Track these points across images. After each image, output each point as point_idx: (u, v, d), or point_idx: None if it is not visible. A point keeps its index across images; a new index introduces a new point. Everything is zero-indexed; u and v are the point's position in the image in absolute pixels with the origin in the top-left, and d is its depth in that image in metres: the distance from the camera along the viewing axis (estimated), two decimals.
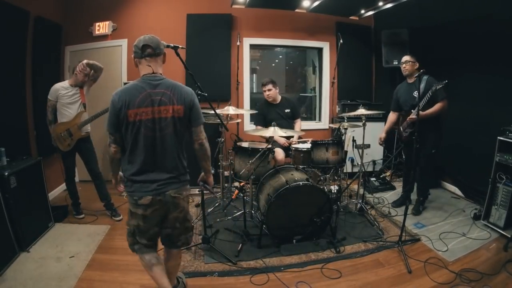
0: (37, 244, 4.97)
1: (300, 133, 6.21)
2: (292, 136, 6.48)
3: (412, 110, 5.62)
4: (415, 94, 5.49)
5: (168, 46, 3.78)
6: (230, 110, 5.93)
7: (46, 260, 4.54)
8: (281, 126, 5.55)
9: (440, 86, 5.05)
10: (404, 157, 6.42)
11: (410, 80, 5.95)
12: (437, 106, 5.45)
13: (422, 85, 5.44)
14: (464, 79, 5.45)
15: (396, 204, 6.32)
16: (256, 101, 8.84)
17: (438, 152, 5.71)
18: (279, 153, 6.28)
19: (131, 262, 4.41)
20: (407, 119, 5.74)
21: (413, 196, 6.27)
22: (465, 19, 6.41)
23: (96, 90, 6.16)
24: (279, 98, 6.91)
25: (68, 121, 5.65)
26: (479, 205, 6.01)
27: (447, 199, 6.63)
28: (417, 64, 5.82)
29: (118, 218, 5.98)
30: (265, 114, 6.82)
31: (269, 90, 6.68)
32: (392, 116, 6.30)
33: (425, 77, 5.52)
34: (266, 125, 6.20)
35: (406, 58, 5.93)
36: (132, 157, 3.10)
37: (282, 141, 6.46)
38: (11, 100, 5.75)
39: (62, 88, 5.64)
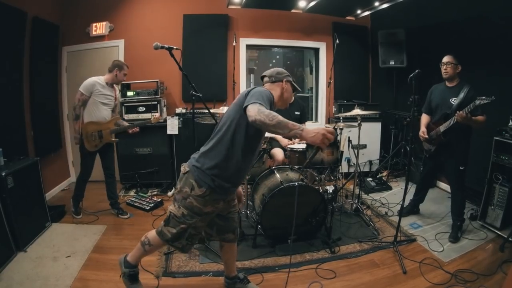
0: (34, 243, 4.97)
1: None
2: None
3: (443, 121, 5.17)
4: (453, 101, 5.07)
5: (163, 47, 3.78)
6: (225, 110, 5.92)
7: (42, 260, 4.54)
8: None
9: (486, 102, 4.42)
10: (422, 167, 6.01)
11: (450, 84, 5.27)
12: (483, 118, 4.80)
13: (461, 95, 4.99)
14: (461, 79, 5.44)
15: (403, 212, 5.85)
16: None
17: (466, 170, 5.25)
18: (279, 154, 6.25)
19: None
20: (456, 117, 4.76)
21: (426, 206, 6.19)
22: (461, 19, 6.43)
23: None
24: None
25: (101, 123, 5.66)
26: (475, 206, 6.01)
27: (443, 199, 6.62)
28: (460, 68, 5.15)
29: (125, 216, 6.01)
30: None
31: None
32: (425, 118, 5.64)
33: (466, 88, 5.00)
34: None
35: (447, 59, 5.15)
36: None
37: (285, 142, 6.35)
38: (9, 100, 5.74)
39: (99, 84, 5.59)
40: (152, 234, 3.49)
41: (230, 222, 3.61)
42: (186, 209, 3.16)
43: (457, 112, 4.71)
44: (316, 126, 8.83)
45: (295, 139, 2.86)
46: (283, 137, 6.14)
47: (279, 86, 3.43)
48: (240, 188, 3.80)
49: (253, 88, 3.07)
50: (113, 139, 5.82)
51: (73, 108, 5.57)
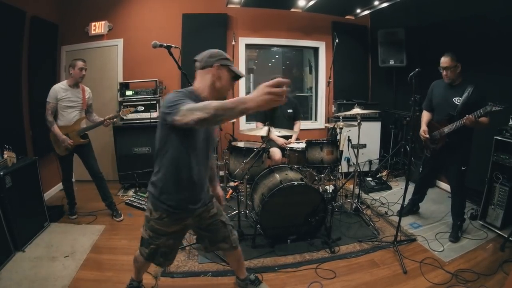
0: (32, 243, 4.96)
1: (296, 133, 6.19)
2: (291, 137, 6.43)
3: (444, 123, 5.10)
4: (456, 100, 4.95)
5: (161, 46, 3.75)
6: None
7: (41, 260, 4.53)
8: (281, 126, 5.54)
9: (498, 109, 4.33)
10: (422, 168, 5.85)
11: (452, 83, 5.11)
12: (487, 120, 4.71)
13: (465, 95, 4.87)
14: (463, 77, 5.41)
15: (402, 212, 5.51)
16: None
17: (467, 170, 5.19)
18: (276, 153, 6.25)
19: (126, 262, 4.41)
20: (465, 121, 4.67)
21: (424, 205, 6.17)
22: (461, 19, 6.41)
23: (91, 90, 6.08)
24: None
25: (67, 126, 5.59)
26: (475, 205, 6.00)
27: (443, 199, 6.60)
28: (460, 66, 4.93)
29: (119, 219, 5.95)
30: (266, 111, 6.58)
31: None
32: (426, 115, 5.50)
33: (470, 88, 4.86)
34: (266, 122, 6.12)
35: (446, 63, 4.94)
36: None
37: (281, 141, 6.38)
38: (7, 99, 5.75)
39: (62, 89, 5.52)
40: (137, 252, 3.44)
41: (215, 233, 3.48)
42: (151, 231, 3.12)
43: (467, 116, 4.62)
44: (310, 123, 9.17)
45: (248, 113, 2.56)
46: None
47: (208, 72, 3.00)
48: (219, 190, 3.72)
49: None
50: (81, 141, 5.74)
51: (45, 118, 5.53)
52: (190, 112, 2.37)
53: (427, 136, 5.30)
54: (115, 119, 5.94)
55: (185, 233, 3.44)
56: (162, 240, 3.13)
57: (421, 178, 5.91)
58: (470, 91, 4.85)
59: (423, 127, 5.39)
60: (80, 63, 5.57)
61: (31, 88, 6.36)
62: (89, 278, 4.19)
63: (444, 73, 5.02)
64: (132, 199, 6.74)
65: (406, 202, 5.12)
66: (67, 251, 4.78)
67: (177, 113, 2.45)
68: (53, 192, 7.22)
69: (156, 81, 7.38)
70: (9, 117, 5.75)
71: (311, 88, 9.56)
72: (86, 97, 5.84)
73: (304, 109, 9.47)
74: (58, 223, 5.77)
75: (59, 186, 7.27)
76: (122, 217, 5.98)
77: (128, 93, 7.33)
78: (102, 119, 5.81)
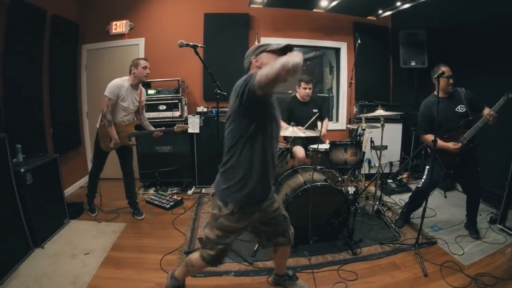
0: (51, 240, 4.99)
1: (322, 132, 6.16)
2: (315, 138, 6.34)
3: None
4: (460, 109, 4.96)
5: (187, 45, 3.75)
6: None
7: (60, 257, 4.56)
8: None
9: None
10: (437, 181, 5.36)
11: (445, 94, 5.10)
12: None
13: (464, 100, 4.95)
14: (483, 79, 5.35)
15: (400, 224, 5.68)
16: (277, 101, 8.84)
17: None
18: (300, 151, 6.12)
19: (146, 260, 4.43)
20: (491, 119, 4.63)
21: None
22: (483, 19, 6.32)
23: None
24: (309, 97, 6.76)
25: (119, 125, 5.59)
26: (495, 209, 5.91)
27: (463, 202, 6.49)
28: None
29: (140, 217, 5.96)
30: (291, 111, 6.62)
31: (310, 89, 6.54)
32: (432, 136, 4.86)
33: (461, 91, 5.02)
34: (291, 122, 6.09)
35: (451, 71, 4.98)
36: None
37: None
38: (28, 97, 5.79)
39: (124, 88, 5.44)
40: (195, 256, 3.43)
41: (276, 226, 3.48)
42: (220, 230, 3.11)
43: (489, 113, 4.63)
44: (332, 124, 9.06)
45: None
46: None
47: (253, 68, 3.13)
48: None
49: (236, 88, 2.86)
50: (129, 143, 5.79)
51: (103, 116, 5.45)
52: (261, 73, 2.52)
53: (459, 145, 4.97)
54: (161, 133, 5.84)
55: (256, 228, 3.46)
56: (231, 238, 3.18)
57: (428, 189, 5.21)
58: (463, 93, 4.98)
59: (448, 144, 5.03)
60: (143, 62, 5.49)
61: (51, 86, 6.43)
62: (109, 276, 4.20)
63: (451, 81, 4.99)
64: (153, 197, 6.77)
65: (423, 205, 4.95)
66: (87, 248, 4.81)
67: (253, 79, 2.59)
68: (73, 189, 7.29)
69: (178, 80, 7.37)
70: (30, 114, 5.81)
71: (331, 88, 9.52)
72: (142, 99, 5.85)
73: (325, 109, 9.45)
74: (78, 220, 5.82)
75: (79, 183, 7.35)
76: (143, 216, 5.98)
77: (150, 92, 7.32)
78: (153, 128, 5.84)
